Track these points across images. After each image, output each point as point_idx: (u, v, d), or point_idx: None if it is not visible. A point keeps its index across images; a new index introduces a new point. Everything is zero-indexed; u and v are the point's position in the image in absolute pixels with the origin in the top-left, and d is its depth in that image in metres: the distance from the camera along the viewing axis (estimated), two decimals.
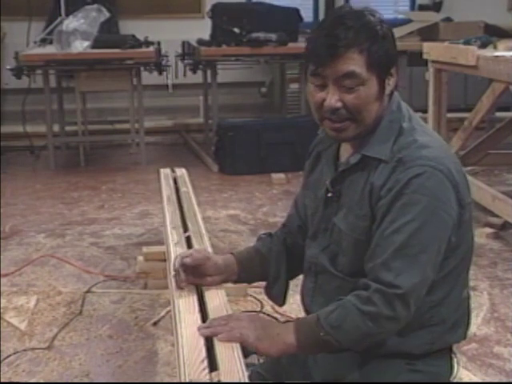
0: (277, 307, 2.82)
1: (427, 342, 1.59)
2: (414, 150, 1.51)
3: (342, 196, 1.62)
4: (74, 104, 6.11)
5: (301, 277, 1.80)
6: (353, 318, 1.47)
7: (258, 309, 3.07)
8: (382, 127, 1.57)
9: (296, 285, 1.83)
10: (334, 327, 1.48)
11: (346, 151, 1.64)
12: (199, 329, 1.51)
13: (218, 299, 1.68)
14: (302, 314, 1.79)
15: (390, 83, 1.56)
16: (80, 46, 5.50)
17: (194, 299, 1.67)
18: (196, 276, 1.72)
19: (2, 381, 2.58)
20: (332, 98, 1.52)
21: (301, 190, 1.83)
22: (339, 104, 1.52)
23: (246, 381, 1.34)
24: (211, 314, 1.60)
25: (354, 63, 1.49)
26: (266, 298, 1.91)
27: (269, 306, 3.03)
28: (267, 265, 1.80)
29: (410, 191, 1.47)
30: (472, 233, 1.63)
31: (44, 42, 6.21)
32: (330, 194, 1.64)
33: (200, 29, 6.41)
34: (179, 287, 1.70)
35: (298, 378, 1.73)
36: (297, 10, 6.23)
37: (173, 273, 1.74)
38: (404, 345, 1.57)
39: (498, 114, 6.27)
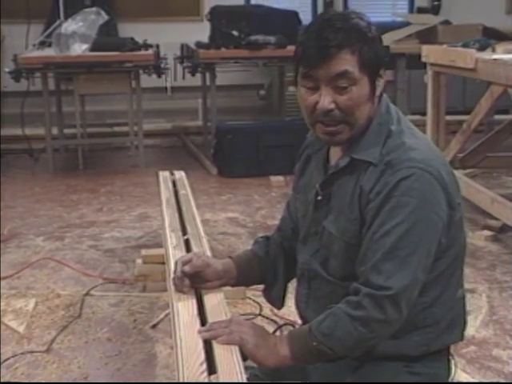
0: (275, 310, 2.82)
1: (423, 343, 1.58)
2: (402, 153, 1.51)
3: (331, 199, 1.62)
4: (73, 107, 6.12)
5: None
6: (344, 325, 1.47)
7: (257, 311, 3.07)
8: (371, 130, 1.57)
9: (294, 287, 1.83)
10: (326, 335, 1.48)
11: (335, 154, 1.64)
12: (199, 331, 1.51)
13: (216, 302, 1.68)
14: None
15: (380, 84, 1.57)
16: (79, 49, 5.50)
17: (192, 302, 1.67)
18: (195, 282, 1.72)
19: None
20: (325, 100, 1.52)
21: (292, 193, 1.83)
22: (332, 105, 1.52)
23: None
24: (210, 317, 1.60)
25: (347, 63, 1.50)
26: (264, 300, 1.91)
27: (267, 308, 3.03)
28: (265, 268, 1.80)
29: (398, 194, 1.47)
30: (464, 233, 1.63)
31: (43, 44, 6.21)
32: (319, 197, 1.64)
33: (199, 31, 6.41)
34: (181, 292, 1.70)
35: (297, 380, 1.73)
36: (295, 13, 6.23)
37: (172, 275, 1.74)
38: (400, 347, 1.57)
39: (497, 117, 6.28)
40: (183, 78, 6.25)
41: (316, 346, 1.49)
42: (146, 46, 5.98)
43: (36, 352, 2.80)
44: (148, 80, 5.98)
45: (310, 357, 1.52)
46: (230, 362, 1.41)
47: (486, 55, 4.06)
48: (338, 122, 1.54)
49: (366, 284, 1.47)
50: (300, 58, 1.54)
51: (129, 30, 7.06)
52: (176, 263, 1.74)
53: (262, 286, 1.86)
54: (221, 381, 1.34)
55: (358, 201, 1.54)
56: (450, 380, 1.68)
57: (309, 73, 1.53)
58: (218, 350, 1.45)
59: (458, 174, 4.12)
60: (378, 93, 1.57)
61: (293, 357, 1.51)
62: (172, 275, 1.74)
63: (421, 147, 1.54)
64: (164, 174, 3.29)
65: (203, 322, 1.58)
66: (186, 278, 1.69)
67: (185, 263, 1.70)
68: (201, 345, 1.46)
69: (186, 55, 6.30)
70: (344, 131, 1.55)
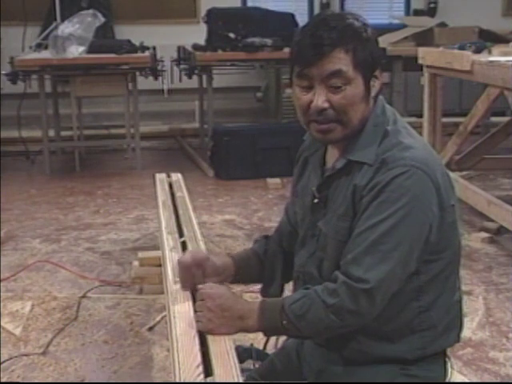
0: None
1: (419, 346, 1.58)
2: (397, 152, 1.51)
3: (328, 201, 1.62)
4: (70, 109, 6.12)
5: None
6: (316, 310, 1.48)
7: None
8: (366, 131, 1.57)
9: (290, 290, 1.83)
10: (297, 316, 1.49)
11: (331, 156, 1.64)
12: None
13: None
14: None
15: (376, 85, 1.57)
16: (75, 51, 5.50)
17: (189, 304, 1.67)
18: (195, 276, 1.71)
19: None
20: (319, 99, 1.52)
21: (291, 197, 1.83)
22: (326, 104, 1.52)
23: None
24: None
25: (341, 62, 1.50)
26: None
27: None
28: (263, 266, 1.81)
29: (389, 190, 1.47)
30: (458, 236, 1.63)
31: (39, 46, 6.22)
32: (316, 200, 1.64)
33: (195, 34, 6.42)
34: (187, 288, 1.71)
35: (293, 381, 1.73)
36: (292, 15, 6.24)
37: (176, 279, 1.74)
38: (396, 350, 1.57)
39: (493, 119, 6.29)
40: (180, 80, 6.25)
41: (285, 324, 1.50)
42: (143, 49, 5.99)
43: (32, 354, 2.80)
44: (145, 82, 5.99)
45: (276, 331, 1.56)
46: (226, 364, 1.41)
47: (483, 57, 4.06)
48: (330, 120, 1.54)
49: (345, 274, 1.48)
50: (295, 56, 1.55)
51: (125, 32, 7.08)
52: (177, 264, 1.74)
53: (258, 289, 1.86)
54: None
55: (351, 198, 1.54)
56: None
57: (303, 71, 1.53)
58: (215, 353, 1.45)
59: (454, 176, 4.13)
60: (373, 94, 1.57)
61: (259, 329, 1.55)
62: (173, 278, 1.74)
63: (416, 147, 1.54)
64: (161, 176, 3.29)
65: None
66: (186, 272, 1.70)
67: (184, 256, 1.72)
68: (197, 347, 1.46)
69: (183, 57, 6.31)
70: (336, 130, 1.55)
